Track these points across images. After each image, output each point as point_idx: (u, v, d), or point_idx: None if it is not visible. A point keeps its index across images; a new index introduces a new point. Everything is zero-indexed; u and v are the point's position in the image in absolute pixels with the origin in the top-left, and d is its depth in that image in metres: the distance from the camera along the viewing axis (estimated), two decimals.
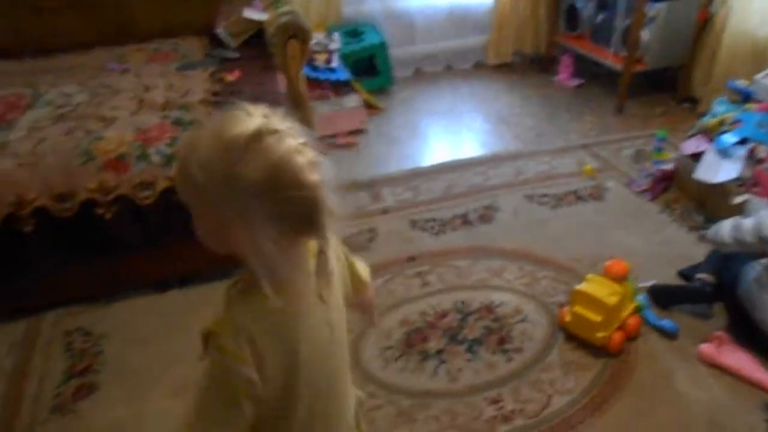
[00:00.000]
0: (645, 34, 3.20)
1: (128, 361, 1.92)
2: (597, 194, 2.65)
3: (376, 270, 2.24)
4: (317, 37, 3.40)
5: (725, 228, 1.84)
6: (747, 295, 1.83)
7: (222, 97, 2.23)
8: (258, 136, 0.76)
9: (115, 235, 1.99)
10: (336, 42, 3.51)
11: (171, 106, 2.24)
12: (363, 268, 1.10)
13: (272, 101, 2.20)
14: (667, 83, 3.52)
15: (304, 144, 0.80)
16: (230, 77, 2.40)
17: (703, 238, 2.31)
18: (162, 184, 1.96)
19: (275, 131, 0.78)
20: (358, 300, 1.08)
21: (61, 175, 1.91)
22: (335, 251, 0.96)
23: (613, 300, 1.79)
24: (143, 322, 2.07)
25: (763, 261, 1.82)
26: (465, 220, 2.51)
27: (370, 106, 3.49)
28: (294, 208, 0.79)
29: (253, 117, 0.79)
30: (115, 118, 2.17)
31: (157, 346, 1.97)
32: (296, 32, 2.55)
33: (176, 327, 2.05)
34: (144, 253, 2.10)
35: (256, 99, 2.19)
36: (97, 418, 1.74)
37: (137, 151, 1.98)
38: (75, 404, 1.79)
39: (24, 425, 1.74)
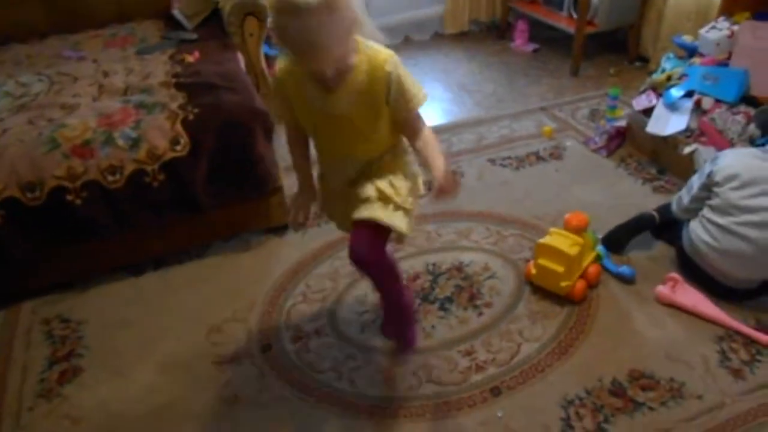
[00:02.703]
0: None
1: (110, 344, 1.96)
2: (556, 154, 2.74)
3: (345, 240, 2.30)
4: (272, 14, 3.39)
5: (681, 195, 2.01)
6: (695, 250, 1.93)
7: (183, 78, 2.24)
8: None
9: (86, 221, 1.99)
10: None
11: (132, 91, 2.25)
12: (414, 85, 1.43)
13: (235, 79, 2.24)
14: (619, 44, 3.63)
15: None
16: (190, 58, 2.40)
17: (658, 189, 2.45)
18: (130, 167, 1.98)
19: None
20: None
21: (27, 164, 1.91)
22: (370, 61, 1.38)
23: (574, 250, 1.88)
24: (121, 305, 2.10)
25: (716, 219, 1.86)
26: (431, 187, 2.56)
27: None
28: None
29: None
30: (76, 105, 2.17)
31: (137, 328, 2.00)
32: (253, 9, 2.56)
33: (154, 308, 2.08)
34: (116, 238, 2.11)
35: (218, 78, 2.20)
36: (85, 399, 1.78)
37: (102, 136, 1.99)
38: (61, 388, 1.82)
39: (11, 413, 1.76)
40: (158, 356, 1.90)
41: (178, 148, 2.00)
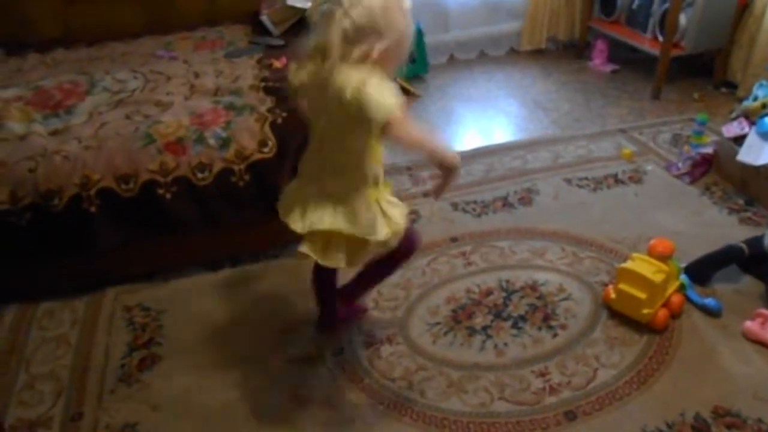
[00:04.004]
0: (683, 19, 3.20)
1: (188, 335, 2.02)
2: (636, 177, 2.68)
3: (419, 251, 2.30)
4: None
5: None
6: None
7: (271, 83, 2.30)
8: None
9: (174, 215, 2.07)
10: None
11: (222, 92, 2.32)
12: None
13: None
14: (704, 68, 3.51)
15: None
16: (278, 64, 2.47)
17: (745, 221, 2.35)
18: (218, 166, 2.05)
19: None
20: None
21: (124, 157, 2.01)
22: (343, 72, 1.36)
23: (658, 277, 1.83)
24: (199, 298, 2.16)
25: None
26: (505, 203, 2.55)
27: (406, 93, 3.54)
28: None
29: None
30: (170, 103, 2.26)
31: (213, 321, 2.06)
32: None
33: (230, 304, 2.14)
34: (199, 234, 2.18)
35: None
36: (163, 388, 1.84)
37: (194, 134, 2.06)
38: (140, 374, 1.89)
39: (93, 394, 1.84)
40: (233, 351, 1.95)
41: (266, 150, 2.06)
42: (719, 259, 2.05)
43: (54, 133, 2.15)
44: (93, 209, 2.01)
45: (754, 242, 2.03)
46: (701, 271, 2.05)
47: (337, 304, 1.92)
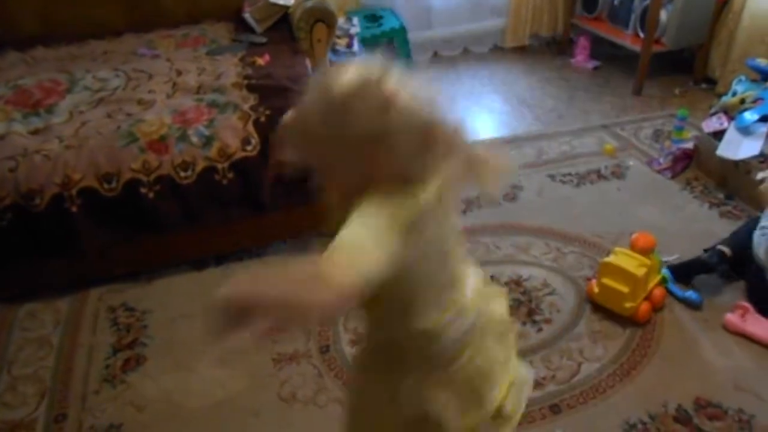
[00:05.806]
0: (663, 15, 3.23)
1: (172, 335, 2.01)
2: (618, 173, 2.70)
3: None
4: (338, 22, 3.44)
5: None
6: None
7: (255, 80, 2.29)
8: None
9: (157, 214, 2.05)
10: (356, 26, 3.56)
11: (205, 90, 2.31)
12: None
13: (305, 84, 2.28)
14: (685, 64, 3.55)
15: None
16: (261, 61, 2.46)
17: (725, 215, 2.38)
18: (201, 164, 2.04)
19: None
20: None
21: (106, 156, 1.99)
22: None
23: (640, 271, 1.85)
24: (184, 298, 2.15)
25: None
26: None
27: None
28: None
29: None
30: (152, 101, 2.24)
31: (198, 321, 2.05)
32: (322, 16, 2.61)
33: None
34: (183, 233, 2.17)
35: (289, 81, 2.25)
36: (148, 388, 1.83)
37: (177, 132, 2.05)
38: (125, 375, 1.88)
39: (77, 395, 1.82)
40: (218, 350, 1.93)
41: (249, 148, 2.05)
42: (701, 266, 2.04)
43: (34, 132, 2.13)
44: (75, 209, 1.99)
45: (735, 241, 2.04)
46: (684, 272, 2.05)
47: None
